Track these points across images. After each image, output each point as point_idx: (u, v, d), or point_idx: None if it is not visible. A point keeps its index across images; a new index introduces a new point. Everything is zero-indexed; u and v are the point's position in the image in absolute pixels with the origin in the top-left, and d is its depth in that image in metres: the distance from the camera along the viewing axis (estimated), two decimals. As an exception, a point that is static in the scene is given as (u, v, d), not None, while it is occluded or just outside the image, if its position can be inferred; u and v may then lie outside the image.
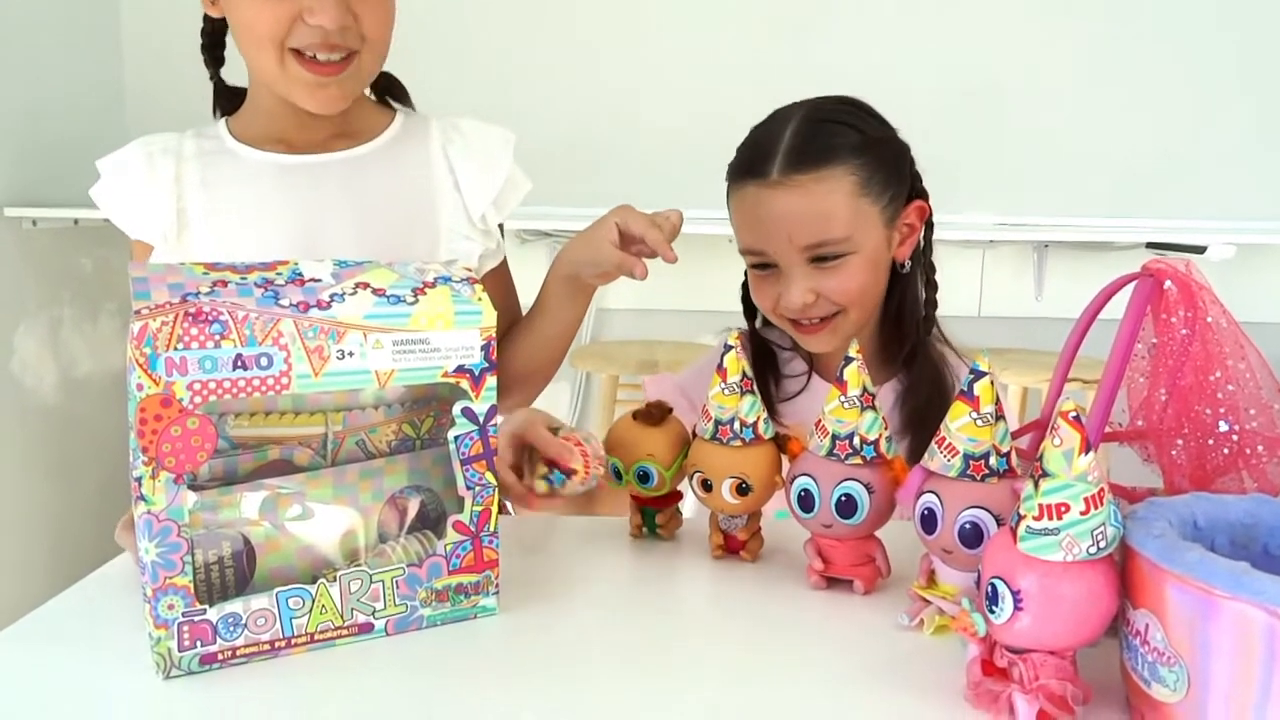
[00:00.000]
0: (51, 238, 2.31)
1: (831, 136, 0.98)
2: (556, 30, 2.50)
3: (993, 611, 0.54)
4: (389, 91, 1.06)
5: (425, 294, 0.65)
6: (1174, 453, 0.68)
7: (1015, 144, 2.37)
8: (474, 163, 1.03)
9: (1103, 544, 0.52)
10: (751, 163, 0.99)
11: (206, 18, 1.00)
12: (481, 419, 0.66)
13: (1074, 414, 0.53)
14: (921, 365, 1.05)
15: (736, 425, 0.77)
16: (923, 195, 1.05)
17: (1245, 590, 0.46)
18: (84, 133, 2.43)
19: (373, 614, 0.64)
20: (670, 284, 2.58)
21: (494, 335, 0.66)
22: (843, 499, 0.71)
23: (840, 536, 0.73)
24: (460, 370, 0.65)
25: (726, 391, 0.77)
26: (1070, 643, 0.54)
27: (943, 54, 2.37)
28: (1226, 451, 0.68)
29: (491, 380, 0.66)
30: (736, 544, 0.80)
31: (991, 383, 0.66)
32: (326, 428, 0.68)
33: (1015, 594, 0.53)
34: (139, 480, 0.57)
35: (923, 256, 1.07)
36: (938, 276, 1.09)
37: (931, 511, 0.66)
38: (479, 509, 0.67)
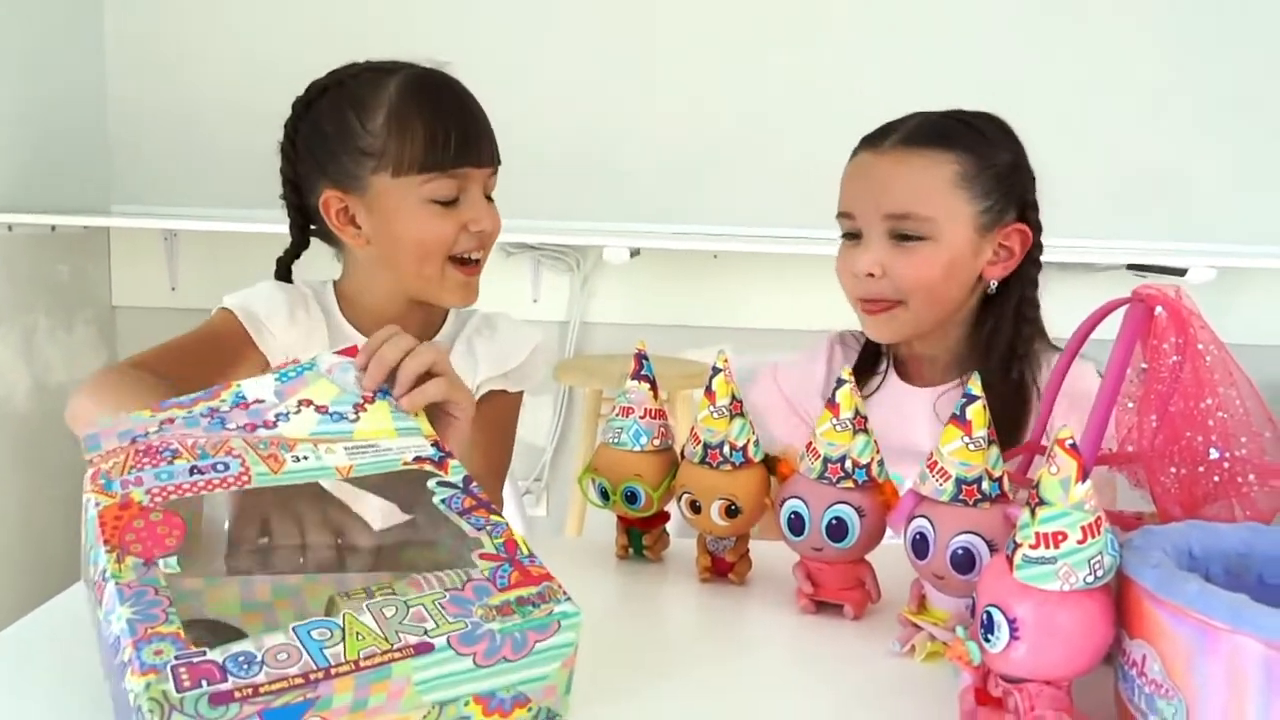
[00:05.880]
0: (27, 244, 2.27)
1: (950, 128, 1.03)
2: (539, 45, 2.49)
3: (988, 640, 0.54)
4: None
5: (366, 410, 0.68)
6: (1165, 479, 0.68)
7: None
8: (494, 347, 1.10)
9: (1100, 573, 0.52)
10: (874, 136, 1.05)
11: (294, 200, 1.05)
12: (461, 483, 0.63)
13: (1070, 441, 0.53)
14: (1003, 395, 1.00)
15: (726, 449, 0.76)
16: (1032, 224, 1.05)
17: (1244, 623, 0.46)
18: (64, 139, 2.40)
19: (425, 634, 0.51)
20: (655, 299, 2.59)
21: (434, 440, 0.67)
22: (833, 522, 0.71)
23: (830, 560, 0.73)
24: (419, 459, 0.65)
25: (716, 415, 0.77)
26: (1066, 672, 0.53)
27: (920, 77, 2.37)
28: (1217, 479, 0.68)
29: (454, 462, 0.65)
30: (724, 566, 0.80)
31: (984, 407, 0.65)
32: None
33: (1011, 623, 0.52)
34: (104, 571, 0.52)
35: (1018, 289, 1.05)
36: None
37: (923, 536, 0.65)
38: (500, 540, 0.59)
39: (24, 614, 0.70)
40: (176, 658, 0.47)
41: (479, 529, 0.60)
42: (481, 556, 0.57)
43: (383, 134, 0.96)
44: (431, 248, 0.99)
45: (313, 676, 0.48)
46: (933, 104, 1.08)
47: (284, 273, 1.09)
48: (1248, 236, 2.38)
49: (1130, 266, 2.29)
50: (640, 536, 0.84)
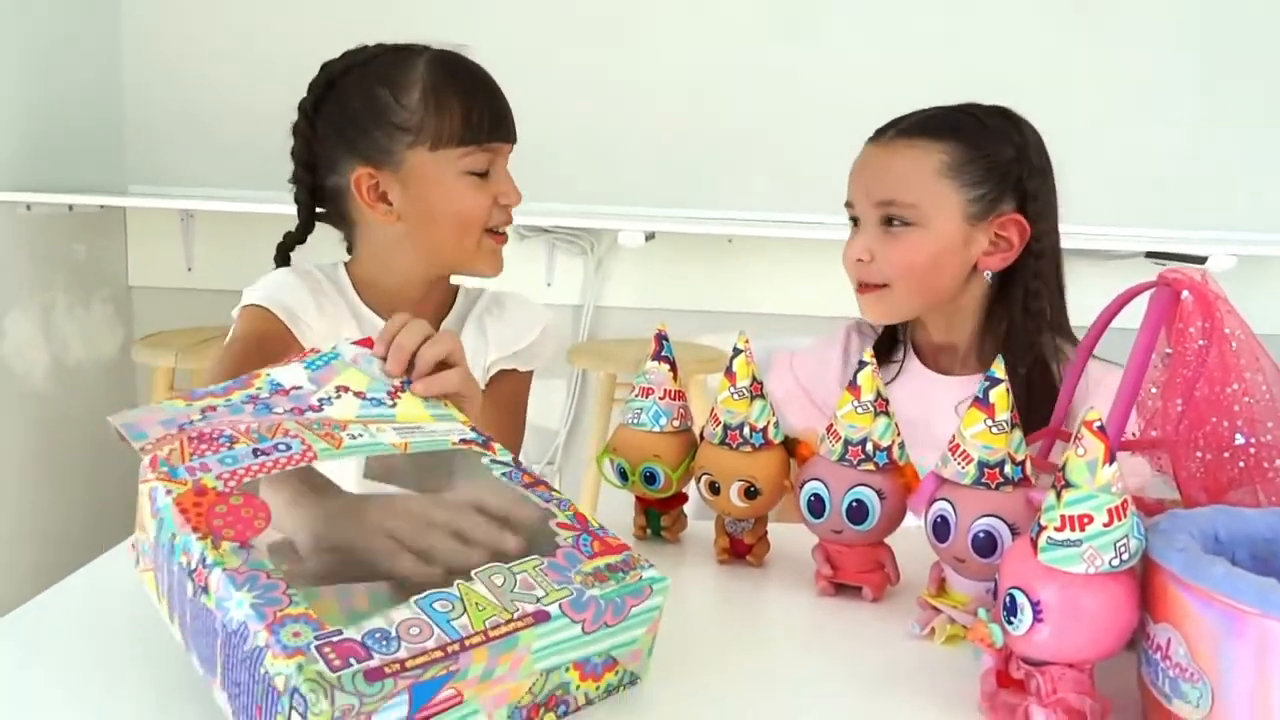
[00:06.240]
0: (45, 223, 2.28)
1: (950, 120, 1.04)
2: (555, 28, 2.48)
3: (1011, 623, 0.54)
4: None
5: (400, 397, 0.69)
6: (1190, 465, 0.68)
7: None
8: (504, 327, 1.12)
9: (1125, 556, 0.52)
10: (881, 129, 1.08)
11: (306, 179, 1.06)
12: (512, 462, 0.65)
13: (1098, 424, 0.52)
14: (1025, 387, 0.99)
15: (746, 430, 0.76)
16: (1031, 216, 1.03)
17: (1273, 606, 0.46)
18: (81, 118, 2.40)
19: (538, 601, 0.52)
20: (670, 283, 2.59)
21: (471, 425, 0.69)
22: (854, 504, 0.71)
23: (850, 542, 0.72)
24: (465, 441, 0.66)
25: (736, 396, 0.76)
26: (1090, 656, 0.53)
27: (938, 63, 2.35)
28: (1242, 465, 0.67)
29: (499, 445, 0.67)
30: (743, 548, 0.79)
31: (1007, 390, 0.65)
32: None
33: (1035, 605, 0.52)
34: (202, 559, 0.51)
35: (1020, 279, 1.04)
36: None
37: (944, 519, 0.65)
38: (570, 513, 0.60)
39: (41, 591, 0.71)
40: (316, 638, 0.47)
41: (547, 502, 0.61)
42: (560, 526, 0.58)
43: (420, 109, 0.98)
44: (470, 219, 1.01)
45: (450, 649, 0.48)
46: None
47: (284, 257, 1.08)
48: (1268, 224, 2.36)
49: (1149, 255, 2.27)
50: (658, 517, 0.84)
